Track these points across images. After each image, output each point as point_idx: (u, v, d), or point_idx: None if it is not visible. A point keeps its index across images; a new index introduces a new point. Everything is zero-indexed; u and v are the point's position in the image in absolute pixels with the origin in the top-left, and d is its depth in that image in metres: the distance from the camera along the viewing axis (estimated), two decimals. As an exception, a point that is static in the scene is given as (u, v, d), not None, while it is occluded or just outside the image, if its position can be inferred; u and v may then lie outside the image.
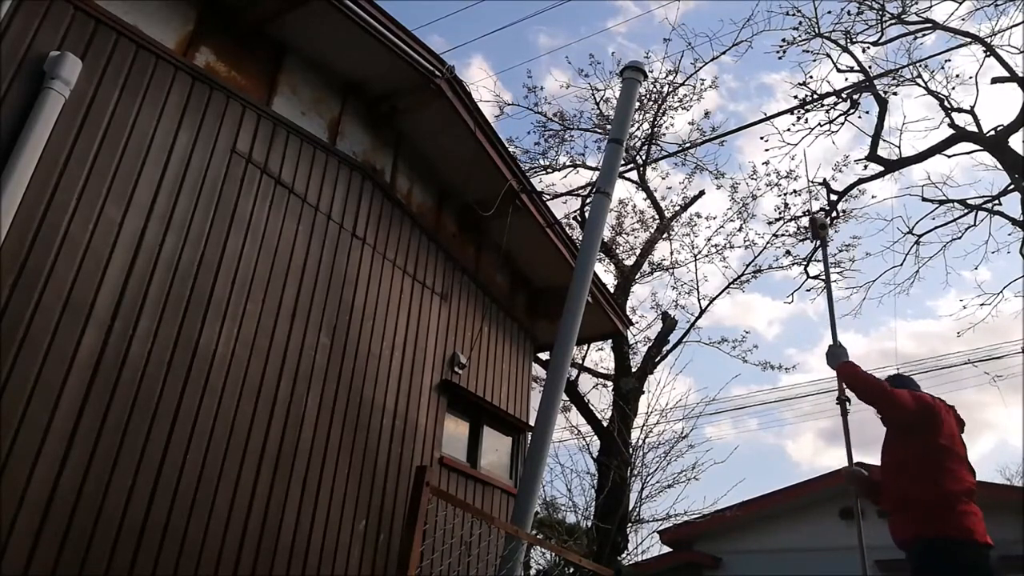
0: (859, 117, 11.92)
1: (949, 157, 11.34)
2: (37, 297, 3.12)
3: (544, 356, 8.86)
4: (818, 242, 5.00)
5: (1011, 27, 10.29)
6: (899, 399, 3.32)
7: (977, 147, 10.82)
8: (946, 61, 11.09)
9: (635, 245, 13.18)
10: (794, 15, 11.09)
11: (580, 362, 12.78)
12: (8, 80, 3.18)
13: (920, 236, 11.57)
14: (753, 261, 13.00)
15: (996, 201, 11.27)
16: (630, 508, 9.53)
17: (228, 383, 3.88)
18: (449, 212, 6.07)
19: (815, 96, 11.06)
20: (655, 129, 12.85)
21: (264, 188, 4.34)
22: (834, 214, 12.18)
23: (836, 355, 3.74)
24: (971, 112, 10.70)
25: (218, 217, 4.02)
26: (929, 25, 10.73)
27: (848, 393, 3.86)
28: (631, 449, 9.63)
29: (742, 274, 13.01)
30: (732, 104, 26.22)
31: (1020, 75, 10.14)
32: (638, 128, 12.79)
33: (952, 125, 10.79)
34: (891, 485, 3.38)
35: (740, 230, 13.43)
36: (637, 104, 11.79)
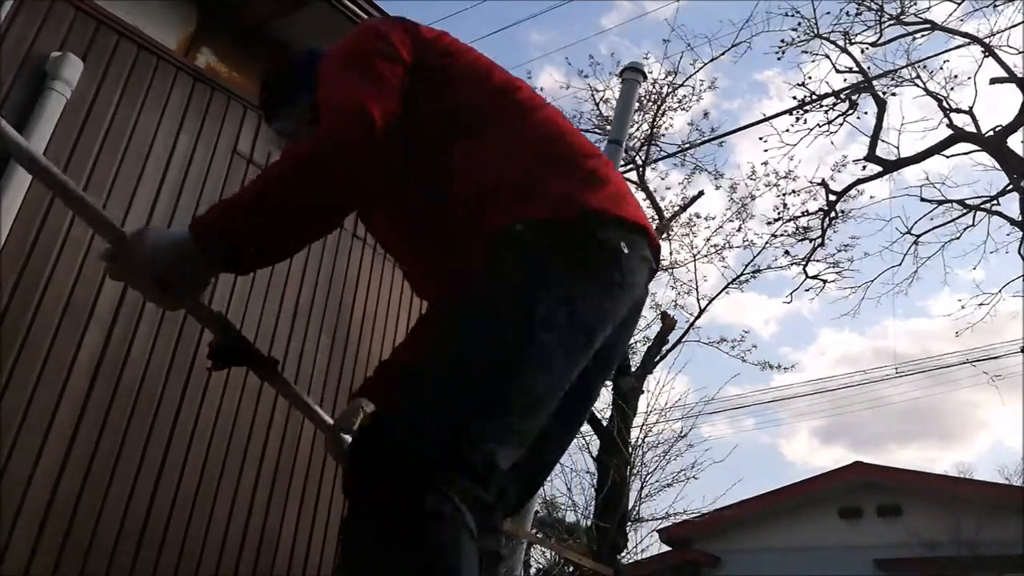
0: (858, 118, 11.96)
1: (948, 157, 11.40)
2: (38, 299, 3.13)
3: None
4: None
5: (1010, 27, 10.32)
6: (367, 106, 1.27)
7: (976, 147, 10.86)
8: (945, 62, 11.14)
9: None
10: (793, 16, 11.13)
11: (579, 362, 12.79)
12: (9, 81, 3.18)
13: (919, 236, 11.62)
14: (752, 261, 13.04)
15: (995, 201, 11.30)
16: (629, 507, 9.55)
17: (228, 385, 3.89)
18: (449, 212, 6.08)
19: (814, 97, 11.09)
20: (654, 129, 12.88)
21: (265, 189, 4.34)
22: (833, 214, 12.21)
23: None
24: (970, 112, 10.75)
25: (219, 218, 4.02)
26: (928, 26, 10.77)
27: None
28: (630, 448, 9.65)
29: (741, 274, 13.06)
30: (726, 102, 26.31)
31: (1018, 75, 10.15)
32: (637, 128, 12.82)
33: (951, 126, 10.83)
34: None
35: (739, 230, 13.46)
36: (637, 105, 11.79)
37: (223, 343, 1.58)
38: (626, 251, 1.29)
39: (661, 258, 1.44)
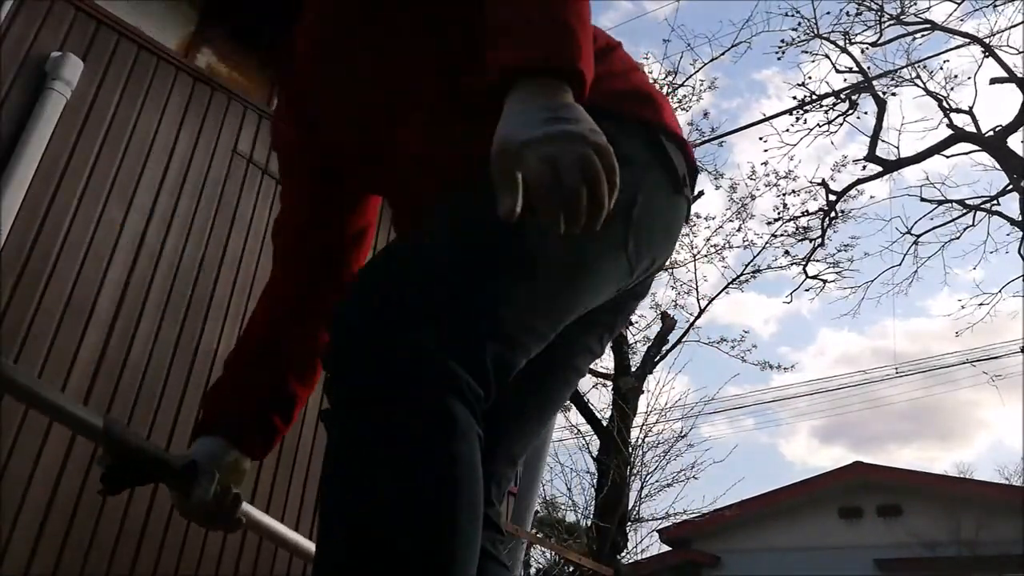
0: (858, 118, 11.96)
1: (948, 157, 11.40)
2: (38, 298, 3.13)
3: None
4: None
5: (1010, 27, 10.33)
6: None
7: (976, 147, 10.86)
8: (945, 62, 11.14)
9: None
10: (793, 16, 11.13)
11: (579, 362, 12.79)
12: (9, 81, 3.19)
13: (919, 236, 11.62)
14: (752, 261, 13.03)
15: (995, 201, 11.31)
16: (629, 507, 9.56)
17: (229, 384, 3.89)
18: (449, 212, 6.08)
19: (814, 97, 11.09)
20: (654, 129, 12.86)
21: (265, 189, 4.34)
22: (833, 214, 12.22)
23: None
24: (970, 112, 10.75)
25: (219, 218, 4.02)
26: (927, 26, 10.77)
27: None
28: (630, 448, 9.66)
29: (741, 274, 13.03)
30: (726, 102, 26.32)
31: (1018, 75, 10.16)
32: (637, 128, 12.79)
33: (951, 126, 10.84)
34: None
35: (739, 230, 13.46)
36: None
37: (115, 460, 1.09)
38: (686, 186, 1.08)
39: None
